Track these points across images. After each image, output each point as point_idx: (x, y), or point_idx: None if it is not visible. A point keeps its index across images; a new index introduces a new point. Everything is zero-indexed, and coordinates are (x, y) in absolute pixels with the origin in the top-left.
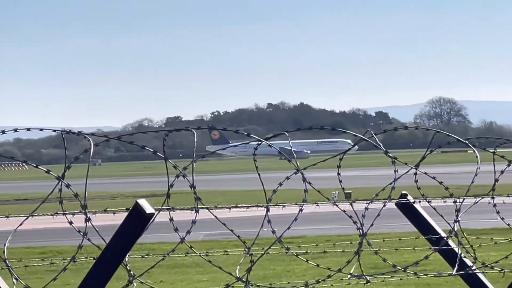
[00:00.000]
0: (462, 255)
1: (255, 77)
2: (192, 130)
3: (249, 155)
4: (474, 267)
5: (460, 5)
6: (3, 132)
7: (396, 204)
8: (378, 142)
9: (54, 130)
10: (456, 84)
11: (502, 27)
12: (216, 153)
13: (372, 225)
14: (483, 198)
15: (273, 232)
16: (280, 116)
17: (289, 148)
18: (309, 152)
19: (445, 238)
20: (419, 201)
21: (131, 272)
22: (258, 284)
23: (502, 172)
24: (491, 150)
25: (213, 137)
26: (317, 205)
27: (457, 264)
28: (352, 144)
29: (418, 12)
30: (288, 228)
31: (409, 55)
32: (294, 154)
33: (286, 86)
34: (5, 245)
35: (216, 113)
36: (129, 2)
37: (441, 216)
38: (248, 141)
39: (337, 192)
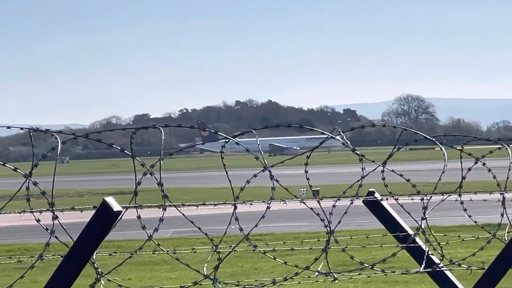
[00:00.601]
0: (430, 252)
1: (223, 75)
2: (160, 127)
3: (237, 152)
4: (441, 264)
5: (427, 3)
6: None
7: (363, 201)
8: (346, 140)
9: (22, 128)
10: (424, 81)
11: (469, 25)
12: (184, 150)
13: (339, 222)
14: (450, 195)
15: (241, 229)
16: (248, 114)
17: (278, 145)
18: (298, 148)
19: (412, 236)
20: (387, 199)
21: (99, 270)
22: (225, 282)
23: (469, 169)
24: (458, 148)
25: (203, 134)
26: (285, 203)
27: (424, 261)
28: (341, 141)
29: (386, 10)
30: (256, 225)
31: (377, 52)
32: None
33: (254, 84)
34: None
35: (184, 111)
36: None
37: (409, 213)
38: (215, 140)
39: (305, 189)
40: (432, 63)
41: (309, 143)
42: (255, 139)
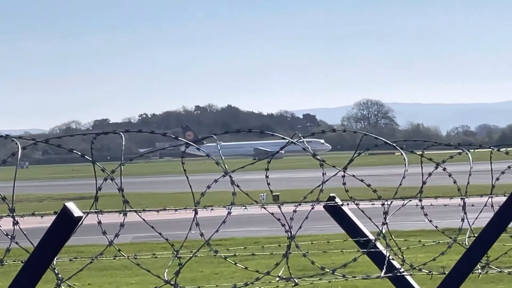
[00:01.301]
0: (390, 257)
1: (183, 80)
2: (120, 133)
3: (223, 156)
4: (402, 269)
5: (386, 8)
6: None
7: (324, 206)
8: (306, 145)
9: None
10: (384, 86)
11: (428, 30)
12: (144, 156)
13: (300, 227)
14: (411, 200)
15: (201, 234)
16: (208, 119)
17: (263, 149)
18: (283, 152)
19: (373, 241)
20: (347, 204)
21: (59, 275)
22: (186, 287)
23: (430, 174)
24: (418, 153)
25: (187, 138)
26: (245, 208)
27: (385, 266)
28: (326, 144)
29: (345, 15)
30: (217, 231)
31: (336, 57)
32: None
33: (214, 89)
34: None
35: (144, 116)
36: (54, 5)
37: (369, 218)
38: (176, 144)
39: (265, 194)
40: (392, 68)
41: (294, 147)
42: (230, 143)
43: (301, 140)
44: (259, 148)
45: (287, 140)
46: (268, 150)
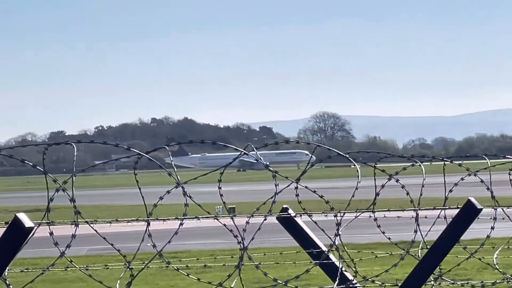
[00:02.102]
0: (343, 269)
1: (139, 92)
2: (72, 144)
3: (208, 167)
4: (355, 281)
5: (339, 21)
6: None
7: (277, 218)
8: (259, 157)
9: None
10: (341, 99)
11: (383, 43)
12: (100, 167)
13: (252, 239)
14: (364, 212)
15: (154, 246)
16: (164, 131)
17: (248, 160)
18: (268, 163)
19: (326, 252)
20: (300, 215)
21: (11, 287)
22: None
23: (382, 186)
24: (372, 165)
25: (172, 149)
26: (198, 219)
27: (338, 278)
28: (310, 155)
29: (300, 26)
30: (169, 242)
31: (293, 70)
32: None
33: (170, 101)
34: None
35: (100, 128)
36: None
37: (322, 230)
38: (130, 155)
39: (220, 206)
40: (349, 81)
41: (279, 158)
42: (215, 154)
43: (253, 151)
44: (244, 159)
45: (272, 152)
46: (253, 161)
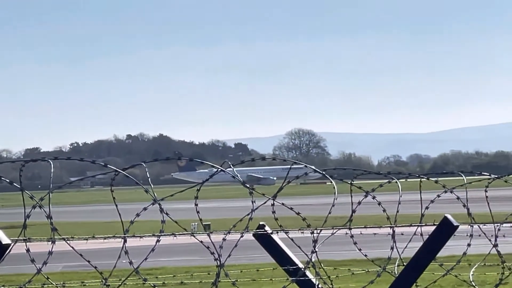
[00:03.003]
0: (320, 286)
1: (114, 109)
2: (49, 160)
3: (216, 182)
4: None
5: (315, 37)
6: None
7: (254, 235)
8: (236, 173)
9: None
10: (316, 116)
11: (357, 61)
12: (75, 184)
13: (229, 255)
14: (340, 229)
15: (130, 263)
16: (140, 148)
17: (255, 175)
18: (275, 178)
19: (302, 269)
20: (277, 232)
21: None
22: None
23: (359, 203)
24: (348, 181)
25: (179, 165)
26: (175, 236)
27: None
28: (317, 170)
29: (275, 43)
30: (145, 259)
31: (268, 87)
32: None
33: (146, 118)
34: None
35: (75, 144)
36: None
37: (298, 246)
38: (105, 172)
39: (196, 223)
40: (324, 98)
41: (285, 173)
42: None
43: (230, 168)
44: (252, 175)
45: (278, 167)
46: (261, 176)
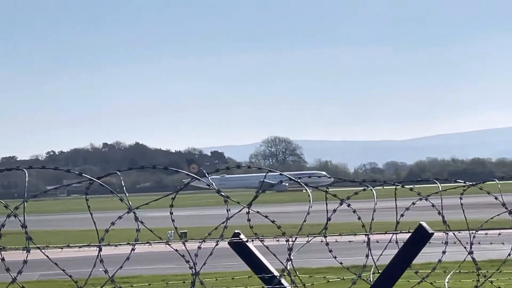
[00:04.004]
0: None
1: (90, 117)
2: (24, 169)
3: (227, 188)
4: None
5: (289, 46)
6: None
7: (229, 243)
8: (211, 181)
9: None
10: (292, 124)
11: (335, 68)
12: (51, 193)
13: (204, 264)
14: (315, 237)
15: (106, 271)
16: (116, 156)
17: (268, 181)
18: (287, 185)
19: (278, 277)
20: (252, 240)
21: None
22: None
23: (334, 211)
24: (324, 189)
25: (192, 171)
26: (150, 245)
27: None
28: (328, 176)
29: (252, 53)
30: (121, 267)
31: (245, 95)
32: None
33: (122, 126)
34: None
35: (52, 153)
36: None
37: (274, 254)
38: (80, 181)
39: (172, 231)
40: (300, 106)
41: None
42: (234, 175)
43: (206, 176)
44: (265, 180)
45: (291, 173)
46: (273, 182)
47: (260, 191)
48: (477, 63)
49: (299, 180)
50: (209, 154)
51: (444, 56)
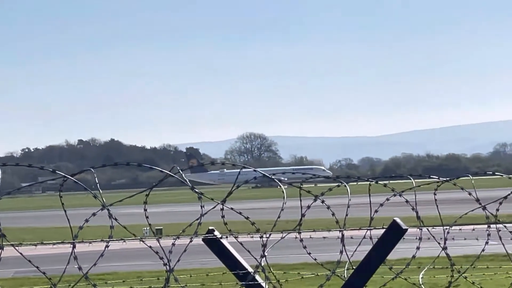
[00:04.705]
0: None
1: (65, 114)
2: None
3: (227, 183)
4: None
5: (263, 43)
6: None
7: (203, 239)
8: (185, 178)
9: None
10: (267, 120)
11: (309, 64)
12: (24, 189)
13: (178, 260)
14: (289, 233)
15: (80, 268)
16: (91, 153)
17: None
18: (286, 179)
19: (252, 273)
20: (226, 237)
21: None
22: None
23: (308, 207)
24: (298, 185)
25: (191, 165)
26: (124, 241)
27: None
28: (327, 171)
29: (228, 49)
30: (94, 264)
31: (220, 91)
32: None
33: (97, 123)
34: None
35: (27, 150)
36: None
37: (248, 251)
38: (54, 178)
39: (147, 228)
40: (276, 102)
41: (298, 175)
42: (234, 170)
43: (178, 172)
44: (265, 175)
45: (290, 168)
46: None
47: (234, 188)
48: (452, 57)
49: (297, 175)
50: (185, 150)
51: (419, 51)
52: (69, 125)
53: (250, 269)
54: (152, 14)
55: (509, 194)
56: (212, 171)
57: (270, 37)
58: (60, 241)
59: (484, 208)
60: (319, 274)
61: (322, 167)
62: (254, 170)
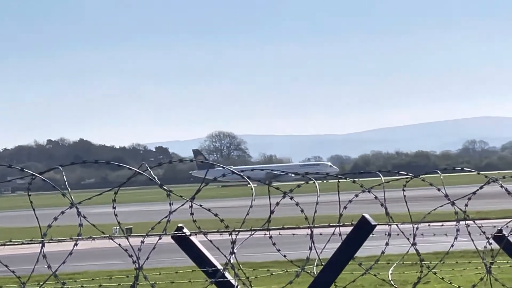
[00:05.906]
0: (239, 287)
1: (34, 114)
2: None
3: (231, 180)
4: None
5: (233, 41)
6: None
7: (172, 237)
8: (153, 176)
9: None
10: (236, 118)
11: (279, 63)
12: None
13: (147, 258)
14: (258, 230)
15: (49, 267)
16: (60, 152)
17: (275, 172)
18: (293, 175)
19: (221, 270)
20: (196, 234)
21: None
22: None
23: (277, 204)
24: (266, 182)
25: (196, 162)
26: (93, 239)
27: None
28: (334, 167)
29: (195, 47)
30: (63, 262)
31: (189, 90)
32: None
33: (66, 123)
34: None
35: None
36: None
37: (217, 248)
38: (23, 176)
39: (117, 227)
40: (244, 101)
41: (303, 170)
42: (239, 167)
43: (147, 170)
44: (273, 171)
45: (296, 164)
46: (279, 173)
47: (203, 185)
48: (420, 55)
49: (304, 172)
50: (154, 149)
51: (385, 50)
52: (38, 125)
53: (220, 266)
54: (115, 11)
55: (477, 190)
56: (217, 168)
57: (239, 37)
58: (28, 240)
59: (453, 203)
60: (288, 271)
61: (329, 163)
62: (223, 167)
